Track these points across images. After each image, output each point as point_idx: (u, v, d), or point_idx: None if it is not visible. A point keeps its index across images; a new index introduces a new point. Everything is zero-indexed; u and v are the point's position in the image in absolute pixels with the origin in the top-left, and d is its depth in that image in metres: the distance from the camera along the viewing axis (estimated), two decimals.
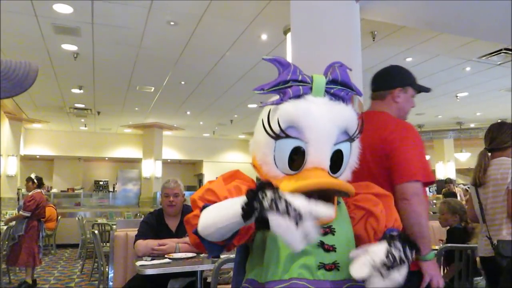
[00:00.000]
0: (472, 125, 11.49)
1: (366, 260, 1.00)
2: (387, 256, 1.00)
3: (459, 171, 13.62)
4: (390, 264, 0.98)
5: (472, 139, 12.49)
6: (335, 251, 1.10)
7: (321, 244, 1.09)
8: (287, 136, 1.07)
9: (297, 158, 1.08)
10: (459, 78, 6.92)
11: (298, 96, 1.10)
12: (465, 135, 11.60)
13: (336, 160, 1.11)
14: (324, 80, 1.14)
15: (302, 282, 1.05)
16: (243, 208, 0.90)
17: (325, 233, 1.11)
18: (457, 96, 8.16)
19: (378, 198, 1.23)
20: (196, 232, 1.04)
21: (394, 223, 1.22)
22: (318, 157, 1.06)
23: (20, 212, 5.37)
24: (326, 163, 1.07)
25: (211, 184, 1.12)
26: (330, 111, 1.09)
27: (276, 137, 1.07)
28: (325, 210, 0.86)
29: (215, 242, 1.03)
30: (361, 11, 3.30)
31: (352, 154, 1.15)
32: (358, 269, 1.00)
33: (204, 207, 1.05)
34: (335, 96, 1.14)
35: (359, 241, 1.18)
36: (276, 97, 1.12)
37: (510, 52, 5.60)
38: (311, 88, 1.12)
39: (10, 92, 0.66)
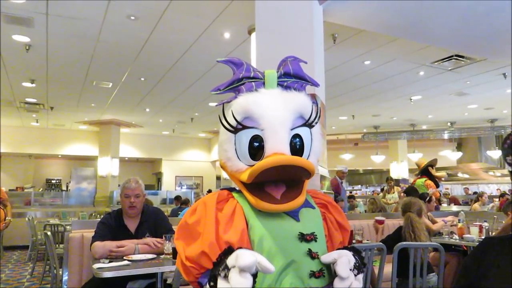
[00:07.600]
0: (424, 127, 12.03)
1: (347, 262, 1.07)
2: (356, 261, 1.10)
3: (411, 171, 14.25)
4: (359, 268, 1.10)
5: (424, 140, 13.10)
6: (319, 258, 1.11)
7: (309, 252, 1.10)
8: (244, 127, 1.11)
9: (258, 150, 1.11)
10: (414, 81, 7.23)
11: (251, 91, 1.15)
12: (417, 136, 12.13)
13: (298, 146, 1.13)
14: (275, 73, 1.19)
15: None
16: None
17: (310, 240, 1.12)
18: (411, 99, 8.51)
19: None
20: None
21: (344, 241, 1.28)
22: (275, 142, 1.09)
23: None
24: (285, 147, 1.10)
25: (203, 244, 1.06)
26: (282, 98, 1.13)
27: (235, 130, 1.12)
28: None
29: None
30: (324, 14, 3.37)
31: (314, 140, 1.18)
32: (344, 269, 1.05)
33: (200, 283, 1.09)
34: (288, 88, 1.18)
35: None
36: (231, 95, 1.17)
37: (460, 58, 5.91)
38: (264, 83, 1.17)
39: None
